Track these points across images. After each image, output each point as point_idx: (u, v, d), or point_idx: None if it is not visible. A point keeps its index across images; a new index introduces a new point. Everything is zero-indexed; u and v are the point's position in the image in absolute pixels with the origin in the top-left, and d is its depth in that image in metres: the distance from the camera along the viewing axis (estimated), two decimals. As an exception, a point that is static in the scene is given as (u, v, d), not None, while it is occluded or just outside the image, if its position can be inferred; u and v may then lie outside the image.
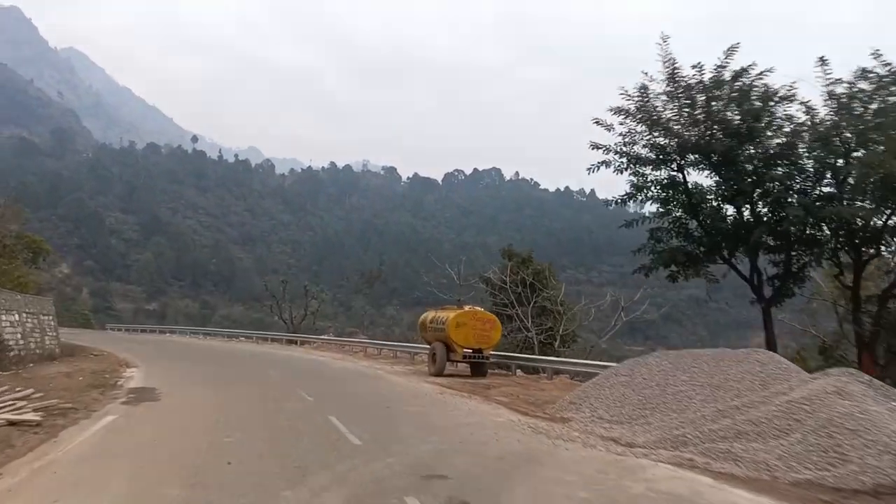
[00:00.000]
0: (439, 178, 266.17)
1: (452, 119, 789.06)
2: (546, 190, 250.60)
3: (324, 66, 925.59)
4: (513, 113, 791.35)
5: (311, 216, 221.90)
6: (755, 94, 19.49)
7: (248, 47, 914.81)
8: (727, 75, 19.71)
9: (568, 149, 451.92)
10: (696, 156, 20.43)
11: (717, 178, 20.83)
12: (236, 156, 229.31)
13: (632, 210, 30.31)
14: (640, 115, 20.32)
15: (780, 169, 19.62)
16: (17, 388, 15.17)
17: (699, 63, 19.92)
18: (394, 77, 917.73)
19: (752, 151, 19.92)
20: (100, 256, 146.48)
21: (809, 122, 19.65)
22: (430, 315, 27.30)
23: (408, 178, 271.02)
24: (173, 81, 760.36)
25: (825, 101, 19.21)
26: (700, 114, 19.78)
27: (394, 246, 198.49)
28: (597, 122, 20.88)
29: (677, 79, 19.98)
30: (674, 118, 20.23)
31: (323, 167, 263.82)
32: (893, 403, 10.21)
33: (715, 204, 21.34)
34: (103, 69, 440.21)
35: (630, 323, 37.58)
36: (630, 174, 21.22)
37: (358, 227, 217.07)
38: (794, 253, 20.53)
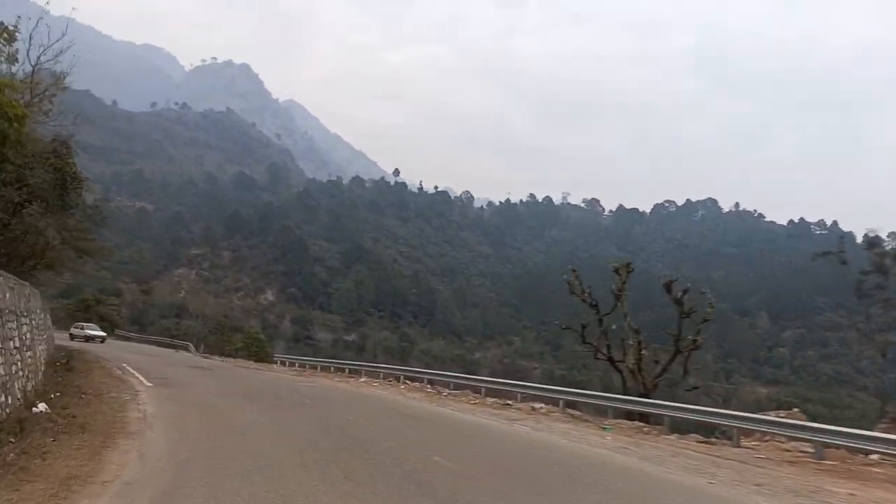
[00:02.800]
0: (642, 209, 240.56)
1: (646, 154, 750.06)
2: (773, 222, 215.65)
3: (511, 107, 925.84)
4: (712, 146, 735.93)
5: (511, 248, 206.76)
6: None
7: (441, 92, 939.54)
8: None
9: (788, 180, 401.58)
10: None
11: None
12: (436, 187, 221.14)
13: None
14: None
15: None
16: None
17: None
18: (582, 115, 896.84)
19: None
20: (303, 284, 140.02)
21: None
22: None
23: (611, 210, 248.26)
24: (376, 127, 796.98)
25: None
26: None
27: (601, 281, 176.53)
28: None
29: None
30: None
31: (521, 200, 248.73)
32: None
33: None
34: (317, 118, 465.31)
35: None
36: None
37: (560, 260, 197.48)
38: None
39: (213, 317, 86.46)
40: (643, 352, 18.85)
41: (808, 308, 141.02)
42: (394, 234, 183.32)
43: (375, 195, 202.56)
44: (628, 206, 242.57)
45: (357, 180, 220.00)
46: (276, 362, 39.22)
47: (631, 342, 19.98)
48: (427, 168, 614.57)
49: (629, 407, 15.23)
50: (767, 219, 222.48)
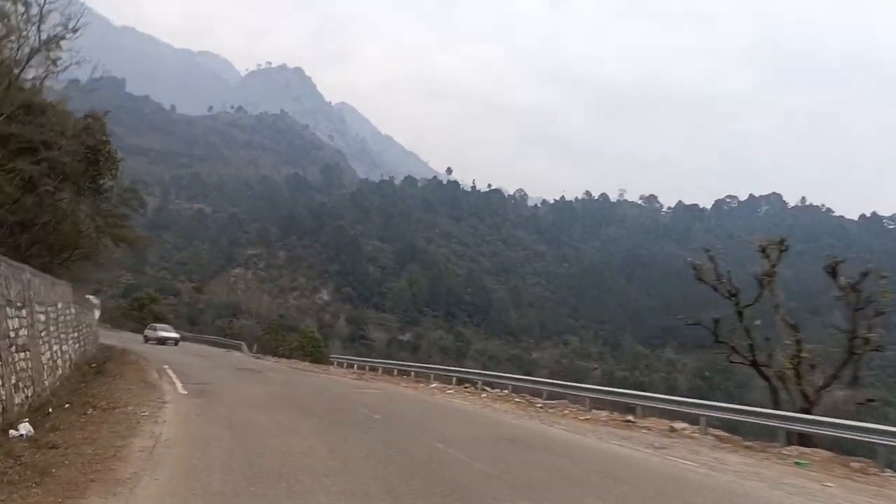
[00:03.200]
0: (702, 205, 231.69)
1: (703, 148, 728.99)
2: (842, 217, 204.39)
3: (564, 105, 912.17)
4: (772, 140, 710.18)
5: (566, 247, 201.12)
6: None
7: (493, 92, 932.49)
8: None
9: (858, 173, 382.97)
10: None
11: None
12: (489, 185, 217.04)
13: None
14: None
15: None
16: None
17: None
18: (635, 111, 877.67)
19: None
20: (357, 283, 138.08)
21: None
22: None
23: (669, 207, 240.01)
24: (426, 128, 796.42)
25: None
26: None
27: (663, 279, 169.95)
28: None
29: None
30: None
31: (576, 197, 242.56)
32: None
33: None
34: (369, 120, 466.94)
35: None
36: None
37: (617, 259, 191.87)
38: None
39: (268, 316, 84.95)
40: (802, 354, 14.63)
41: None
42: (447, 233, 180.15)
43: (428, 194, 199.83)
44: (687, 202, 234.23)
45: (409, 180, 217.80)
46: (332, 363, 36.15)
47: (788, 341, 15.48)
48: (479, 167, 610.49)
49: (803, 429, 11.24)
50: (837, 213, 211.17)
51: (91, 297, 43.14)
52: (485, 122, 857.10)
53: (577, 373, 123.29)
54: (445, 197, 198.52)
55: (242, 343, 44.85)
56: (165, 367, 21.28)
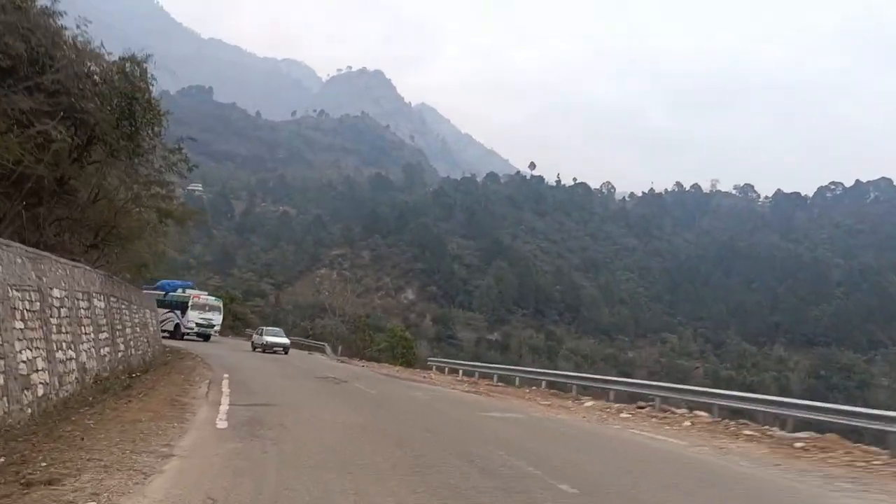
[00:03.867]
0: (803, 193, 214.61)
1: (797, 136, 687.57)
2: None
3: (645, 98, 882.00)
4: (871, 124, 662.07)
5: (658, 241, 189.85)
6: None
7: (571, 88, 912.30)
8: None
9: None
10: None
11: None
12: (574, 179, 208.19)
13: None
14: None
15: None
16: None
17: None
18: (720, 101, 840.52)
19: None
20: (443, 282, 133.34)
21: None
22: None
23: (766, 196, 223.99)
24: (504, 126, 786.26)
25: None
26: None
27: (765, 272, 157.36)
28: None
29: None
30: None
31: (666, 189, 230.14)
32: None
33: None
34: (448, 119, 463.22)
35: None
36: None
37: (713, 252, 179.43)
38: None
39: (353, 316, 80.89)
40: None
41: None
42: (532, 229, 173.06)
43: (511, 190, 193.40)
44: (786, 190, 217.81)
45: (492, 176, 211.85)
46: (430, 368, 30.45)
47: None
48: (560, 164, 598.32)
49: None
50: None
51: (210, 298, 44.45)
52: (564, 119, 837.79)
53: (677, 372, 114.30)
54: (530, 192, 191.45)
55: (326, 344, 40.11)
56: (225, 376, 16.33)
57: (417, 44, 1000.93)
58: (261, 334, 36.64)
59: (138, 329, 20.20)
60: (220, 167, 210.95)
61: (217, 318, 43.93)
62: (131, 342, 18.30)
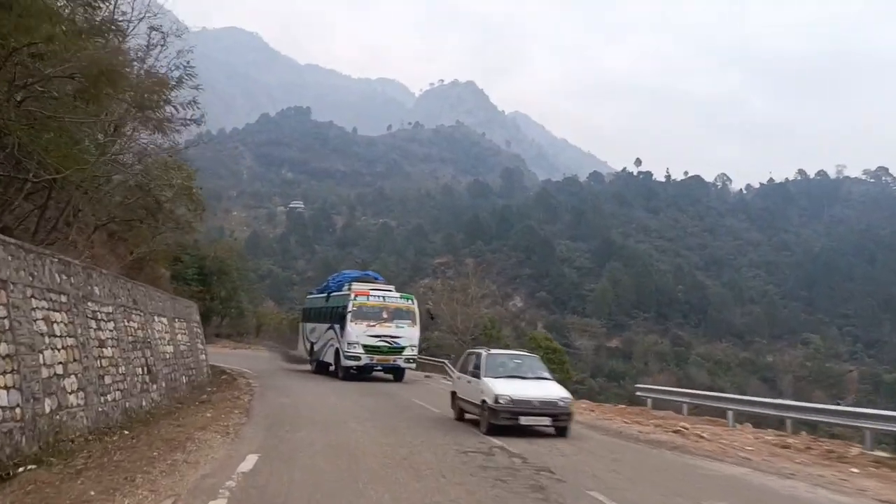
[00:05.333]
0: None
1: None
2: None
3: (747, 86, 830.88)
4: None
5: (785, 233, 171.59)
6: None
7: (668, 85, 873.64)
8: None
9: None
10: None
11: None
12: (686, 173, 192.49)
13: None
14: None
15: None
16: None
17: None
18: (830, 84, 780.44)
19: None
20: (552, 287, 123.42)
21: None
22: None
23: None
24: (600, 127, 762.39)
25: None
26: None
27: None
28: None
29: None
30: None
31: (787, 178, 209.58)
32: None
33: None
34: (542, 125, 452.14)
35: None
36: None
37: (851, 242, 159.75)
38: None
39: (464, 327, 72.91)
40: None
41: None
42: (645, 227, 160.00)
43: (618, 188, 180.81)
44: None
45: (595, 175, 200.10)
46: (642, 400, 19.50)
47: None
48: (662, 161, 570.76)
49: None
50: None
51: (387, 293, 24.51)
52: (662, 115, 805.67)
53: (827, 377, 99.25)
54: (638, 189, 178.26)
55: (446, 361, 30.64)
56: (285, 432, 7.96)
57: (507, 52, 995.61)
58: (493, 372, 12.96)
59: (178, 347, 12.44)
60: (321, 184, 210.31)
61: (409, 334, 23.48)
62: (170, 368, 10.44)
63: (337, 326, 23.29)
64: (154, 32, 15.00)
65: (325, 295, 27.16)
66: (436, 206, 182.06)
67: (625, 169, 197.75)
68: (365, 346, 22.13)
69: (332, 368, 24.29)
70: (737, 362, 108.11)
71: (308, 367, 27.93)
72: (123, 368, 9.48)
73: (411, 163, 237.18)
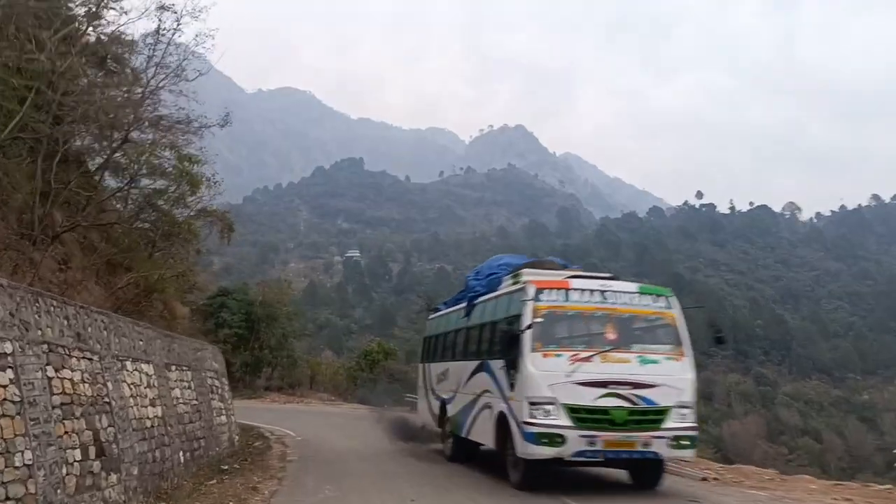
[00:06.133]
0: None
1: None
2: None
3: (804, 115, 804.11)
4: None
5: (864, 261, 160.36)
6: None
7: (721, 119, 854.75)
8: None
9: None
10: None
11: None
12: (751, 203, 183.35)
13: None
14: None
15: None
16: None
17: None
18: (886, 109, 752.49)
19: None
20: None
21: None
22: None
23: None
24: (654, 165, 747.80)
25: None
26: None
27: None
28: None
29: None
30: None
31: (860, 205, 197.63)
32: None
33: None
34: (595, 165, 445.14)
35: None
36: None
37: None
38: None
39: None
40: None
41: None
42: (713, 261, 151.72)
43: (681, 222, 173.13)
44: None
45: (655, 210, 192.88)
46: None
47: None
48: (722, 194, 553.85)
49: None
50: None
51: (621, 288, 11.47)
52: (717, 149, 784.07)
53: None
54: (703, 222, 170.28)
55: None
56: None
57: (555, 95, 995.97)
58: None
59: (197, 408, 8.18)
60: (376, 233, 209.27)
61: (670, 374, 10.93)
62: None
63: (497, 365, 11.11)
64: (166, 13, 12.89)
65: (464, 306, 13.94)
66: (492, 249, 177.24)
67: (686, 202, 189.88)
68: (571, 409, 9.67)
69: (483, 448, 12.55)
70: (829, 401, 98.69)
71: (435, 443, 15.21)
72: (32, 454, 5.23)
73: (465, 207, 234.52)
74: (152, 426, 8.19)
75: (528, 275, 11.51)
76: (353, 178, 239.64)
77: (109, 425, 6.80)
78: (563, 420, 9.58)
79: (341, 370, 38.24)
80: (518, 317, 10.24)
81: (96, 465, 6.39)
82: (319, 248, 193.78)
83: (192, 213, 14.98)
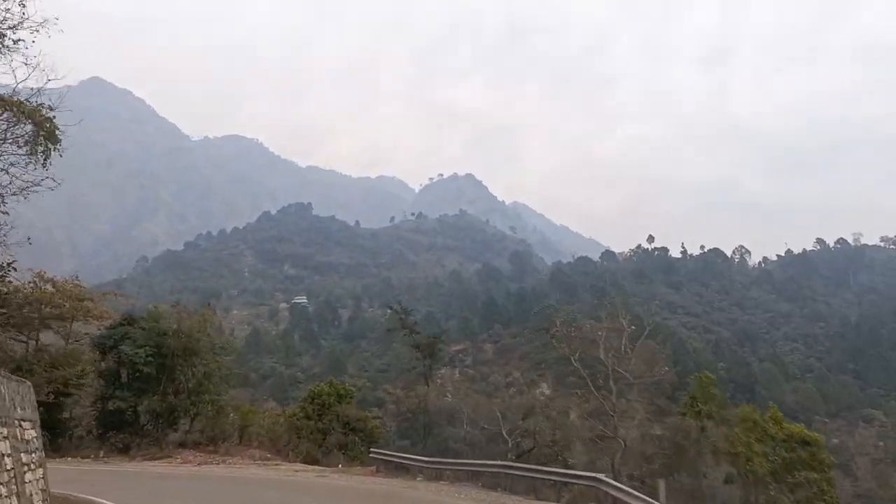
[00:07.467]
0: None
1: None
2: None
3: (743, 167, 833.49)
4: None
5: (814, 303, 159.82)
6: None
7: (661, 169, 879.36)
8: None
9: None
10: None
11: None
12: (702, 247, 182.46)
13: None
14: None
15: None
16: None
17: None
18: (823, 158, 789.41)
19: None
20: (584, 369, 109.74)
21: None
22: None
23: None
24: (600, 210, 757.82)
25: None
26: None
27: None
28: None
29: None
30: None
31: (804, 249, 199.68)
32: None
33: None
34: (542, 214, 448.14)
35: None
36: None
37: (888, 309, 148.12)
38: None
39: (490, 421, 60.11)
40: None
41: None
42: (669, 304, 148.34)
43: (636, 265, 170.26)
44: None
45: (608, 254, 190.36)
46: None
47: None
48: (669, 239, 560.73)
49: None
50: None
51: None
52: (660, 200, 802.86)
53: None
54: (657, 265, 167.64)
55: (602, 475, 15.30)
56: None
57: (503, 144, 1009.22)
58: None
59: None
60: (324, 278, 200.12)
61: None
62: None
63: None
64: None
65: None
66: (445, 294, 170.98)
67: (640, 246, 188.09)
68: None
69: None
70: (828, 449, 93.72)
71: None
72: None
73: (416, 252, 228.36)
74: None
75: None
76: (300, 223, 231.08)
77: None
78: None
79: (281, 419, 30.18)
80: None
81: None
82: (264, 294, 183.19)
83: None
